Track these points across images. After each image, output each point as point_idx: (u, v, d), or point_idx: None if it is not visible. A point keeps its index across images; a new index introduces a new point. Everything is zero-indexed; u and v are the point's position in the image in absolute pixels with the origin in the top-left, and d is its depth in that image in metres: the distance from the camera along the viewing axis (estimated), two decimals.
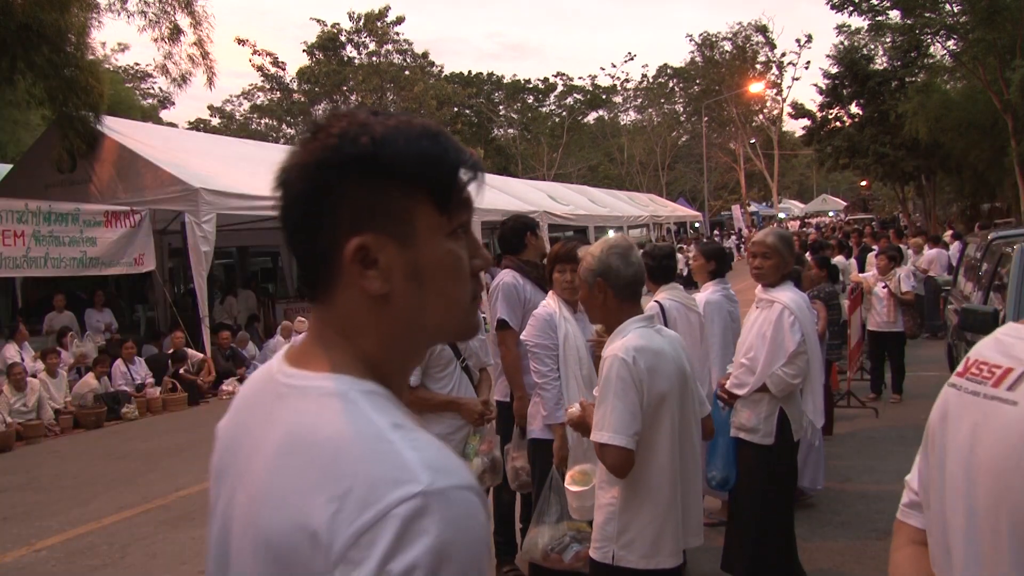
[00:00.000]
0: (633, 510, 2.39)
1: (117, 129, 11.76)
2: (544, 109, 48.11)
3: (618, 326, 2.46)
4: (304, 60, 33.02)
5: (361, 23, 31.89)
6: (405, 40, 33.44)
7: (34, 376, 9.06)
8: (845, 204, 53.04)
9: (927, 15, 17.76)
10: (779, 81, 42.98)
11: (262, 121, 34.64)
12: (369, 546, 0.70)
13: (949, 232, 18.02)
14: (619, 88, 48.66)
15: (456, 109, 39.09)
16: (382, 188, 0.82)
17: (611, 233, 25.58)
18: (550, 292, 3.64)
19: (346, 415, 0.79)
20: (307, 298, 0.89)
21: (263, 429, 0.85)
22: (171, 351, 10.79)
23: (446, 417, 3.41)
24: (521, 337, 3.58)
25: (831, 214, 50.05)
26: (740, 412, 3.56)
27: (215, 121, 35.53)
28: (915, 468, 1.33)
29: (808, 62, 65.17)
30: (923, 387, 8.27)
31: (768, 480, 3.51)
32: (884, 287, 8.12)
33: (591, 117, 50.60)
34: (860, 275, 8.97)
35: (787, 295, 3.55)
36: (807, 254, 8.01)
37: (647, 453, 2.37)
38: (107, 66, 24.66)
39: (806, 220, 44.22)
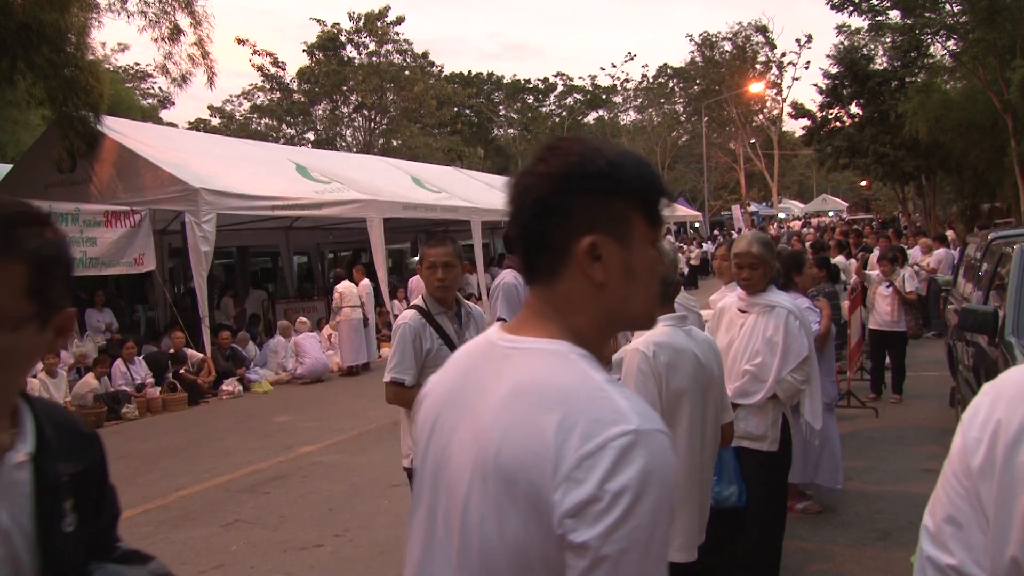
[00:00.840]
0: None
1: (117, 129, 11.76)
2: (544, 109, 48.09)
3: None
4: (304, 60, 33.00)
5: (361, 23, 31.85)
6: (405, 40, 33.41)
7: (34, 376, 9.06)
8: (848, 204, 53.07)
9: (927, 15, 17.75)
10: (779, 81, 42.97)
11: (262, 121, 34.58)
12: (590, 469, 0.91)
13: (951, 232, 18.02)
14: (619, 88, 48.68)
15: (456, 109, 39.07)
16: (611, 200, 1.04)
17: None
18: None
19: (569, 369, 1.03)
20: (527, 280, 1.10)
21: (490, 381, 1.08)
22: (171, 351, 10.79)
23: None
24: None
25: (831, 214, 50.06)
26: (746, 420, 3.44)
27: (215, 121, 35.49)
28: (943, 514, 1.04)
29: (808, 62, 65.10)
30: (923, 387, 8.29)
31: (779, 487, 3.51)
32: (889, 286, 8.16)
33: (591, 117, 50.59)
34: (865, 271, 8.97)
35: (785, 299, 3.54)
36: (808, 253, 8.03)
37: None
38: (107, 66, 24.66)
39: (808, 220, 44.07)
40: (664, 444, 0.94)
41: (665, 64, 50.55)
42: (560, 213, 1.04)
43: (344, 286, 12.33)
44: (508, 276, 4.29)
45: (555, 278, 1.07)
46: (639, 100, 50.23)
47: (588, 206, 1.04)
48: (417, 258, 3.44)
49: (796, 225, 40.36)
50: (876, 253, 10.34)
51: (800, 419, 3.82)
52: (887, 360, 8.17)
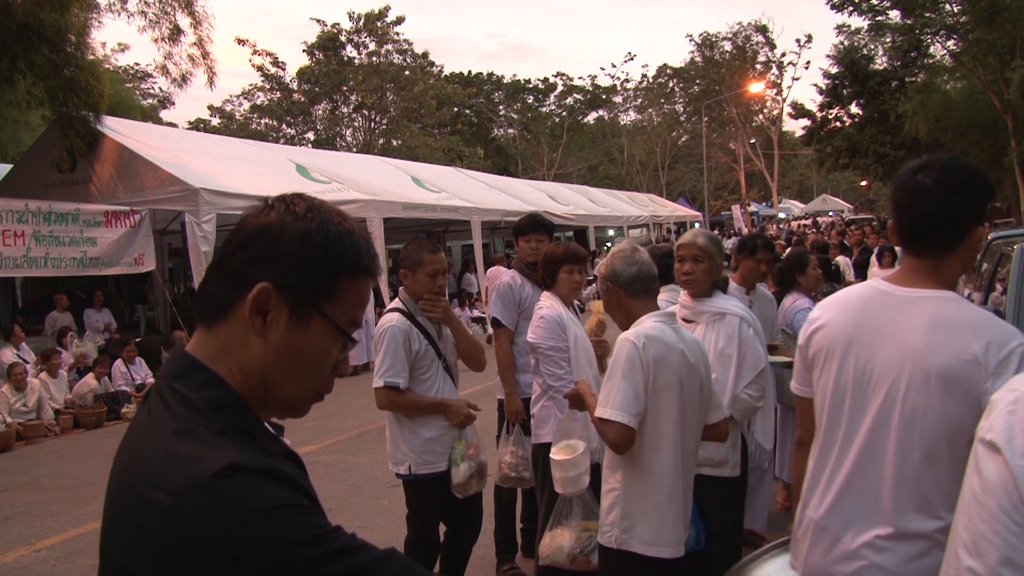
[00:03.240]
0: (635, 497, 2.45)
1: (117, 129, 11.75)
2: (544, 109, 48.10)
3: (635, 322, 2.55)
4: (304, 60, 33.02)
5: (361, 23, 31.86)
6: (405, 40, 33.42)
7: (35, 376, 9.07)
8: (852, 205, 53.05)
9: (927, 15, 17.78)
10: (779, 81, 43.01)
11: (262, 121, 34.58)
12: (1007, 366, 1.55)
13: None
14: (619, 88, 48.68)
15: (456, 109, 39.06)
16: None
17: (611, 232, 25.64)
18: (546, 293, 3.56)
19: (970, 308, 1.69)
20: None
21: (904, 318, 1.68)
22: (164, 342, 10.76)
23: (435, 420, 3.37)
24: (531, 339, 3.44)
25: (831, 214, 50.08)
26: (704, 445, 2.86)
27: (215, 121, 35.49)
28: None
29: (808, 62, 65.25)
30: None
31: (740, 520, 3.28)
32: None
33: (591, 117, 50.62)
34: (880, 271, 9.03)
35: (735, 305, 3.21)
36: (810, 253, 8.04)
37: (651, 442, 2.43)
38: (107, 66, 24.65)
39: (816, 219, 43.78)
40: None
41: (665, 64, 50.63)
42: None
43: None
44: (507, 276, 4.27)
45: (945, 252, 1.69)
46: (639, 100, 50.26)
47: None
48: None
49: (794, 225, 40.35)
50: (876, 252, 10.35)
51: (751, 439, 3.53)
52: None
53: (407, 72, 32.76)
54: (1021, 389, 0.98)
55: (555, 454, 2.92)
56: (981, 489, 0.94)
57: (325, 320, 1.00)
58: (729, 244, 26.81)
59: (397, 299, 3.49)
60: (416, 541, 3.47)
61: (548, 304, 3.48)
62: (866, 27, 22.28)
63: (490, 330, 4.19)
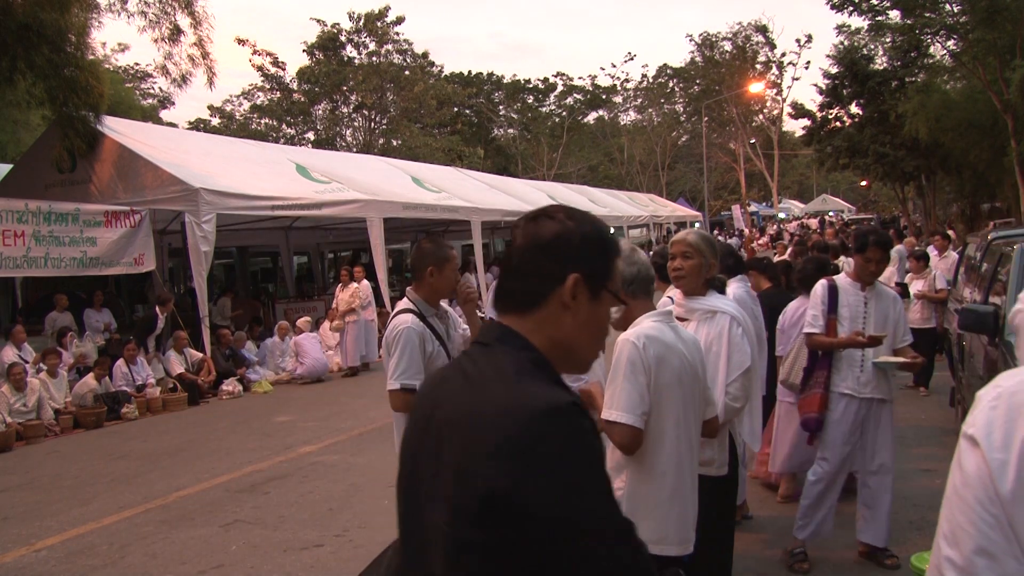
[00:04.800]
0: (640, 496, 2.47)
1: (117, 129, 11.76)
2: (544, 109, 48.09)
3: (633, 321, 2.57)
4: (304, 60, 33.00)
5: (361, 23, 31.85)
6: (405, 40, 33.41)
7: (34, 376, 9.06)
8: (853, 206, 53.07)
9: (927, 15, 17.74)
10: (779, 81, 43.00)
11: (262, 121, 34.57)
12: None
13: (951, 232, 18.02)
14: (619, 88, 48.68)
15: (456, 109, 39.06)
16: None
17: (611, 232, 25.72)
18: None
19: None
20: None
21: None
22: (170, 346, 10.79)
23: None
24: None
25: (831, 213, 50.06)
26: None
27: (215, 121, 35.48)
28: None
29: (808, 62, 65.22)
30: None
31: (730, 526, 3.27)
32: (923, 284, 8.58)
33: (591, 117, 50.62)
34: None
35: (726, 303, 3.23)
36: (810, 253, 8.09)
37: (653, 441, 2.45)
38: (107, 66, 24.65)
39: (823, 219, 43.57)
40: None
41: (665, 64, 50.62)
42: None
43: (363, 285, 12.40)
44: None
45: None
46: (639, 100, 50.26)
47: None
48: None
49: (793, 225, 40.33)
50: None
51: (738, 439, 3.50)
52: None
53: (407, 72, 32.76)
54: (1004, 385, 0.99)
55: None
56: (961, 482, 0.97)
57: (610, 294, 1.29)
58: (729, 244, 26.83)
59: (406, 300, 3.44)
60: None
61: None
62: (866, 27, 22.26)
63: None
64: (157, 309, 10.88)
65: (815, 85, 27.46)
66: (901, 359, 4.05)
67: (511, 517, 1.06)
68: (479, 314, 3.79)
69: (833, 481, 4.13)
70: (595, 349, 1.31)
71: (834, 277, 4.29)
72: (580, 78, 57.91)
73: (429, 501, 1.17)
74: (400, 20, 32.28)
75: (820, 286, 4.23)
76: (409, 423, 1.31)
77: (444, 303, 3.58)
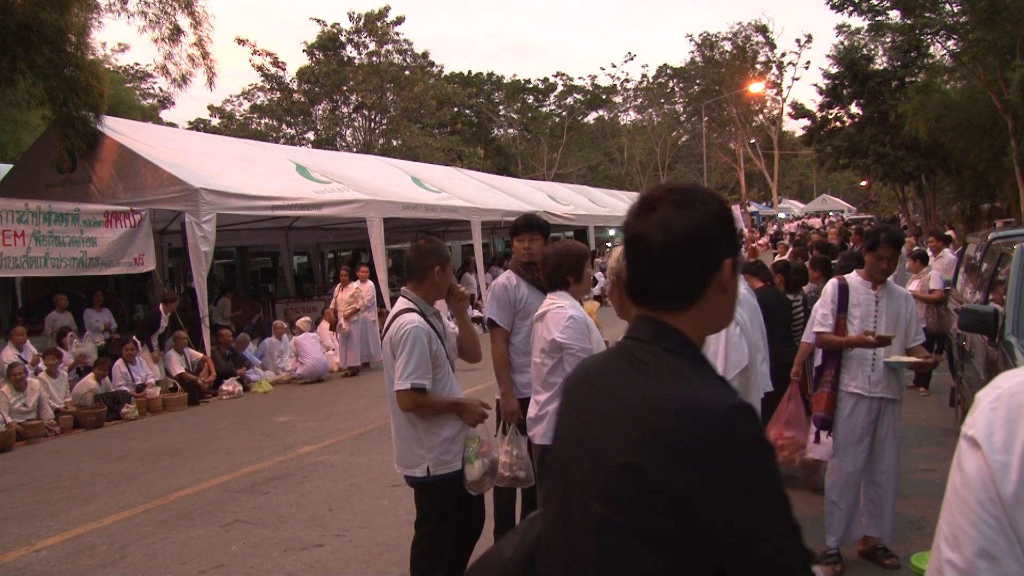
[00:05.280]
0: None
1: (117, 129, 11.76)
2: (544, 109, 48.08)
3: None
4: (304, 60, 33.01)
5: (361, 23, 31.85)
6: (405, 40, 33.43)
7: (34, 376, 9.06)
8: (854, 206, 53.06)
9: (927, 15, 17.74)
10: (779, 81, 43.02)
11: (262, 121, 34.56)
12: None
13: (951, 232, 18.03)
14: (619, 88, 48.68)
15: (456, 109, 39.05)
16: None
17: (611, 232, 25.60)
18: (560, 293, 3.52)
19: None
20: None
21: None
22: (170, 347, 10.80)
23: (450, 419, 3.38)
24: (562, 340, 3.39)
25: (831, 214, 50.07)
26: None
27: (215, 121, 35.48)
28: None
29: (808, 62, 65.25)
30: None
31: None
32: (918, 285, 8.60)
33: (591, 117, 50.61)
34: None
35: None
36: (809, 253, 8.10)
37: None
38: (107, 66, 24.64)
39: (826, 219, 43.52)
40: None
41: (665, 64, 50.65)
42: None
43: (367, 286, 12.40)
44: (502, 277, 4.26)
45: None
46: (639, 100, 50.27)
47: None
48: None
49: (792, 225, 40.29)
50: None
51: None
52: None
53: (407, 72, 32.77)
54: (1003, 387, 0.98)
55: None
56: (962, 484, 0.96)
57: (736, 265, 1.30)
58: None
59: (404, 300, 3.44)
60: (426, 543, 3.45)
61: (569, 303, 3.46)
62: (866, 27, 22.27)
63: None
64: (161, 307, 10.89)
65: (815, 85, 27.50)
66: (912, 358, 4.03)
67: (686, 513, 1.07)
68: (477, 314, 3.83)
69: (848, 482, 4.09)
70: (733, 315, 1.37)
71: (845, 276, 4.27)
72: (580, 78, 58.02)
73: (583, 487, 1.20)
74: (400, 20, 32.30)
75: (831, 285, 4.22)
76: (563, 408, 1.36)
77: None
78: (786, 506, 1.12)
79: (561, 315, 3.40)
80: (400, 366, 3.26)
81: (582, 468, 1.21)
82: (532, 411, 3.60)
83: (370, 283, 12.60)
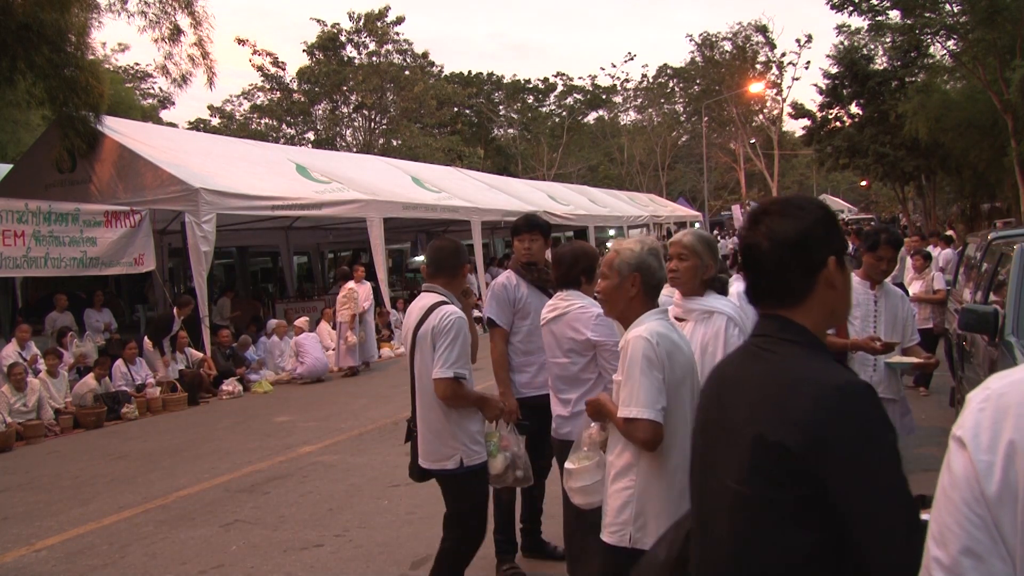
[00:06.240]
0: (649, 495, 2.49)
1: (117, 129, 11.75)
2: (544, 109, 48.04)
3: (636, 319, 2.61)
4: (304, 60, 32.99)
5: (361, 23, 31.84)
6: (405, 40, 33.40)
7: (35, 376, 9.06)
8: (855, 206, 53.10)
9: (927, 15, 17.75)
10: (779, 81, 42.93)
11: (262, 121, 34.54)
12: None
13: (951, 232, 18.04)
14: (619, 88, 48.62)
15: (456, 109, 39.03)
16: None
17: (611, 232, 25.65)
18: (577, 292, 3.52)
19: None
20: None
21: None
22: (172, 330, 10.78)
23: (475, 413, 3.42)
24: (596, 338, 3.38)
25: None
26: None
27: (215, 121, 35.45)
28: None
29: (808, 62, 65.19)
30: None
31: None
32: (922, 285, 8.60)
33: (591, 117, 50.56)
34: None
35: (724, 304, 3.21)
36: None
37: (665, 437, 2.46)
38: (107, 66, 24.64)
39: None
40: None
41: (665, 64, 50.52)
42: None
43: (363, 286, 12.39)
44: (502, 276, 4.26)
45: None
46: (639, 100, 50.19)
47: None
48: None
49: None
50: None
51: None
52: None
53: (407, 72, 32.76)
54: (992, 388, 0.99)
55: (571, 463, 2.93)
56: (949, 484, 0.98)
57: (842, 260, 1.45)
58: (729, 244, 26.79)
59: (435, 294, 3.45)
60: (470, 537, 3.43)
61: (589, 302, 3.46)
62: (866, 27, 22.27)
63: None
64: (175, 310, 10.84)
65: (815, 85, 27.50)
66: (915, 359, 4.02)
67: (815, 484, 1.22)
68: (477, 314, 3.86)
69: None
70: (850, 305, 1.52)
71: None
72: (580, 78, 57.92)
73: (721, 468, 1.37)
74: (400, 20, 32.29)
75: None
76: (701, 404, 1.56)
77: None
78: (903, 479, 1.23)
79: (587, 314, 3.42)
80: (443, 355, 3.28)
81: (721, 454, 1.37)
82: (563, 410, 3.52)
83: (367, 283, 12.59)
